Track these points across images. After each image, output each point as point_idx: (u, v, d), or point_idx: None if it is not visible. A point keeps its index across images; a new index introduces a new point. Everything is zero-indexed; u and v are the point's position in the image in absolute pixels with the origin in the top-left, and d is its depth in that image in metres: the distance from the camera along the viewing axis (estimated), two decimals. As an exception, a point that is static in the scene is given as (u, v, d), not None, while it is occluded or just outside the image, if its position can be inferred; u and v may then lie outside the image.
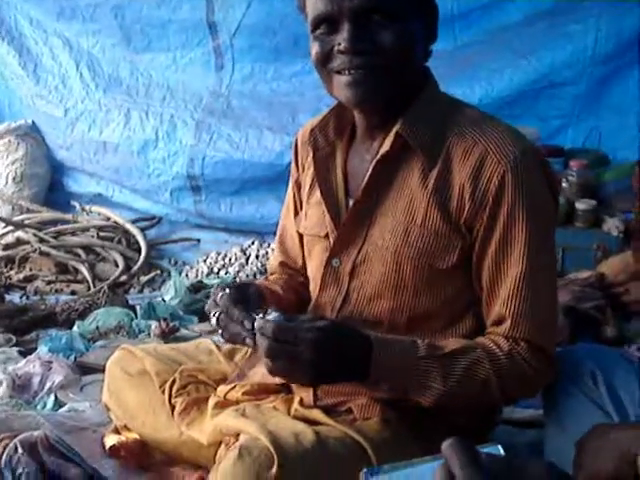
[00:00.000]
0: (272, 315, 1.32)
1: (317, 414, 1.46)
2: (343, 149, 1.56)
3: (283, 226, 1.78)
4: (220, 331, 1.47)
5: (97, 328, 2.87)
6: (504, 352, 1.40)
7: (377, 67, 1.37)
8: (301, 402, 1.49)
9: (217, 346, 1.84)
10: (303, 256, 1.70)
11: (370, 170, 1.46)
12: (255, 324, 1.32)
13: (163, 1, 4.16)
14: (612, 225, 3.09)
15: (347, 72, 1.37)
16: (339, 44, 1.36)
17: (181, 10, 4.15)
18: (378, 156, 1.45)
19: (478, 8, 3.55)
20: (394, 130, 1.43)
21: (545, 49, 3.52)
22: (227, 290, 1.46)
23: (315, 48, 1.41)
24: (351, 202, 1.52)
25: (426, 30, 1.44)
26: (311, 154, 1.58)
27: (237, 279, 3.53)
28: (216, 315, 1.46)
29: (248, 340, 1.39)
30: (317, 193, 1.57)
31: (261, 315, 1.33)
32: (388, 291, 1.47)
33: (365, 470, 0.83)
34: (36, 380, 2.41)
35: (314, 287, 1.61)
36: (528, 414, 2.06)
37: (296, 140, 1.71)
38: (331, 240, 1.53)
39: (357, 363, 1.35)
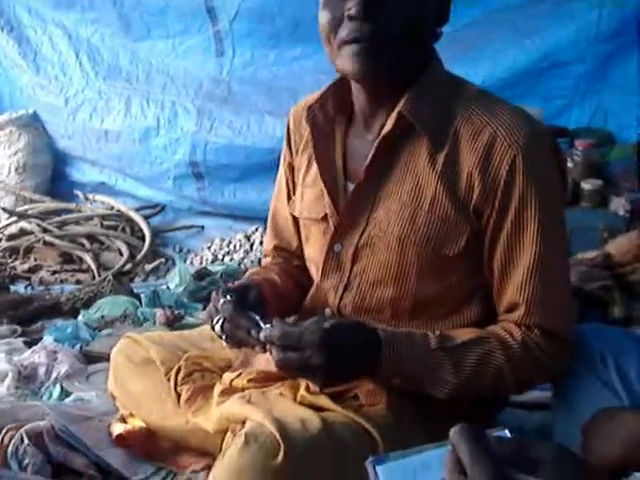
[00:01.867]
0: (277, 324, 1.33)
1: (323, 400, 1.45)
2: (342, 129, 1.53)
3: (275, 209, 1.76)
4: (224, 337, 1.46)
5: (102, 317, 2.87)
6: (517, 341, 1.38)
7: (385, 37, 1.34)
8: (307, 389, 1.48)
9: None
10: (299, 239, 1.68)
11: (373, 150, 1.43)
12: (261, 334, 1.33)
13: (161, -13, 4.15)
14: (618, 205, 3.07)
15: (355, 41, 1.34)
16: (349, 9, 1.33)
17: (179, -4, 4.14)
18: (380, 137, 1.43)
19: (479, -12, 3.52)
20: (397, 109, 1.40)
21: (548, 28, 3.47)
22: (228, 297, 1.44)
23: (325, 16, 1.37)
24: (350, 184, 1.49)
25: (437, 10, 1.41)
26: (309, 131, 1.54)
27: (242, 265, 3.52)
28: (219, 322, 1.45)
29: (257, 348, 1.39)
30: (313, 173, 1.55)
31: (268, 325, 1.34)
32: (391, 277, 1.45)
33: (371, 459, 0.82)
34: (42, 370, 2.41)
35: (315, 272, 1.59)
36: (535, 396, 2.05)
37: (288, 122, 1.68)
38: (331, 224, 1.51)
39: (366, 360, 1.34)
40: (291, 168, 1.68)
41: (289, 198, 1.68)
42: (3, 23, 4.65)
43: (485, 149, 1.36)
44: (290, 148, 1.67)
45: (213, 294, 1.53)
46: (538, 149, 1.37)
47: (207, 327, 1.94)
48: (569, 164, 3.19)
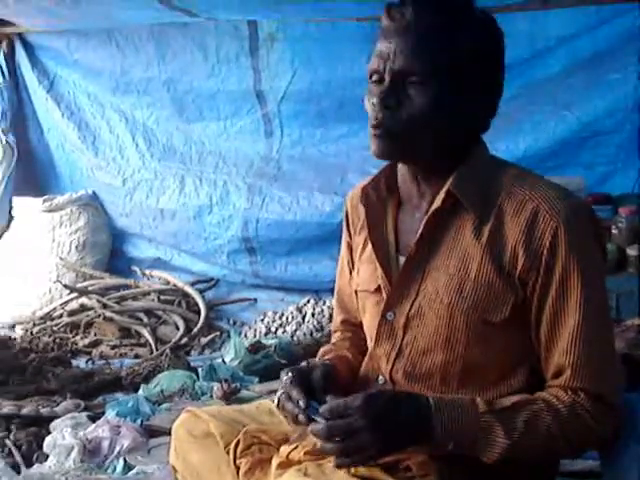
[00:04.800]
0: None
1: (377, 472, 1.50)
2: (393, 207, 1.64)
3: (339, 286, 1.86)
4: (280, 410, 1.55)
5: (161, 391, 2.95)
6: (565, 404, 1.42)
7: (400, 125, 1.45)
8: (361, 460, 1.53)
9: (278, 407, 1.90)
10: None
11: (423, 225, 1.52)
12: (317, 418, 1.39)
13: (212, 73, 4.34)
14: (664, 268, 3.08)
15: (374, 127, 1.46)
16: (374, 97, 1.46)
17: (229, 81, 4.33)
18: (430, 212, 1.51)
19: (518, 63, 3.58)
20: (445, 187, 1.50)
21: (586, 99, 3.55)
22: (289, 374, 1.53)
23: (366, 101, 1.51)
24: (401, 258, 1.58)
25: (481, 106, 1.51)
26: (363, 211, 1.65)
27: (295, 338, 3.60)
28: (277, 395, 1.53)
29: (301, 416, 1.45)
30: (368, 250, 1.64)
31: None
32: (441, 344, 1.51)
33: None
34: (105, 444, 2.49)
35: (369, 340, 1.67)
36: (587, 465, 2.05)
37: (346, 205, 1.79)
38: (384, 294, 1.59)
39: (418, 426, 1.39)
40: (350, 248, 1.78)
41: (351, 274, 1.78)
42: (63, 108, 4.92)
43: (528, 222, 1.44)
44: (349, 229, 1.78)
45: (283, 373, 1.60)
46: (578, 221, 1.45)
47: (264, 401, 2.02)
48: (614, 231, 3.22)
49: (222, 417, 1.87)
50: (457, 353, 1.50)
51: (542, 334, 1.47)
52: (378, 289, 1.61)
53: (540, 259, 1.43)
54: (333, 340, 1.89)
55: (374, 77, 1.48)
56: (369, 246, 1.64)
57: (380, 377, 1.61)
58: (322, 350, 1.84)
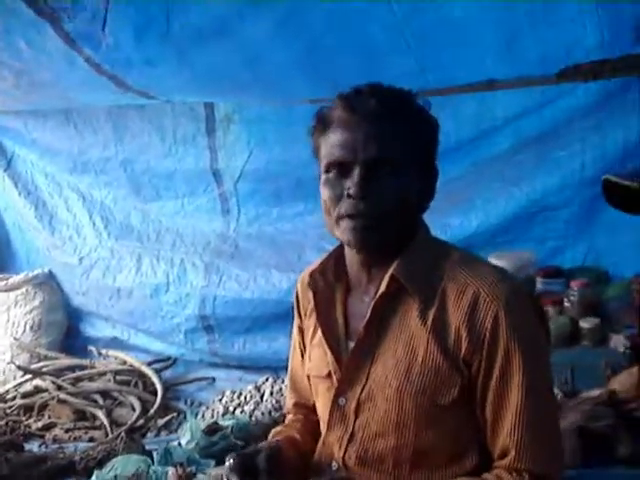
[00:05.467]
0: None
1: None
2: (342, 292, 1.66)
3: (292, 368, 1.87)
4: None
5: (115, 477, 2.88)
6: None
7: (378, 214, 1.48)
8: None
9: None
10: None
11: (370, 310, 1.55)
12: None
13: (169, 153, 4.38)
14: (618, 342, 3.11)
15: (352, 217, 1.48)
16: (349, 188, 1.47)
17: (186, 161, 4.37)
18: (376, 297, 1.54)
19: (467, 142, 3.70)
20: (389, 272, 1.53)
21: (534, 176, 3.63)
22: (231, 460, 1.52)
23: (326, 192, 1.52)
24: (351, 343, 1.60)
25: (426, 188, 1.57)
26: (312, 297, 1.67)
27: (253, 418, 3.56)
28: None
29: None
30: (319, 334, 1.66)
31: None
32: (392, 427, 1.52)
33: None
34: (56, 535, 2.42)
35: (323, 426, 1.67)
36: None
37: (296, 288, 1.81)
38: (335, 379, 1.60)
39: None
40: (301, 331, 1.80)
41: (303, 357, 1.79)
42: (20, 187, 4.90)
43: (470, 305, 1.48)
44: (299, 312, 1.80)
45: (227, 459, 1.59)
46: (518, 302, 1.49)
47: (218, 488, 2.00)
48: (566, 304, 3.27)
49: (174, 505, 1.85)
50: (408, 436, 1.52)
51: (487, 415, 1.50)
52: (329, 374, 1.62)
53: (483, 342, 1.46)
54: (286, 422, 1.89)
55: (336, 169, 1.50)
56: (319, 330, 1.66)
57: (333, 463, 1.62)
58: (273, 431, 1.84)
